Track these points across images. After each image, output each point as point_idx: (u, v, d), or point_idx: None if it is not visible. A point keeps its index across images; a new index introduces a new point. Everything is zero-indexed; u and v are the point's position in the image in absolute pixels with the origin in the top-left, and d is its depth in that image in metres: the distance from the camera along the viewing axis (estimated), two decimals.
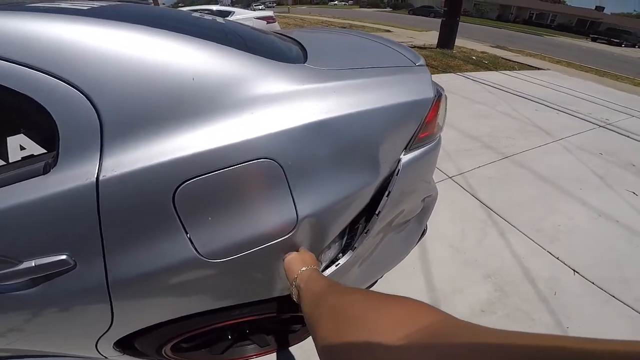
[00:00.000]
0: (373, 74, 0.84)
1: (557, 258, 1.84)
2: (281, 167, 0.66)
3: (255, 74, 0.66)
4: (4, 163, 0.56)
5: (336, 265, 0.94)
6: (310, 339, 1.41)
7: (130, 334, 0.82)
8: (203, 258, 0.67)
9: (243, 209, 0.67)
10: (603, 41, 27.54)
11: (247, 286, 0.84)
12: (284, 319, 1.18)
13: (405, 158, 0.89)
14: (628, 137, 3.64)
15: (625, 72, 9.59)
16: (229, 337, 1.18)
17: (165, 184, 0.59)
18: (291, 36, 1.26)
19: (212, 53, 0.64)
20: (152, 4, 1.94)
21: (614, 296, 1.63)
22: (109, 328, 0.75)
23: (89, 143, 0.55)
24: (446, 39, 8.06)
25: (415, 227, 1.31)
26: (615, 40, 26.96)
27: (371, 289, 1.57)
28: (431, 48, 8.24)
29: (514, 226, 2.06)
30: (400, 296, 0.34)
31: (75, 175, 0.55)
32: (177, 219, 0.62)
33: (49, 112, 0.53)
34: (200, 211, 0.64)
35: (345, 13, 29.50)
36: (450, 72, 5.84)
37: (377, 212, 0.89)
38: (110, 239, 0.60)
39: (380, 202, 0.89)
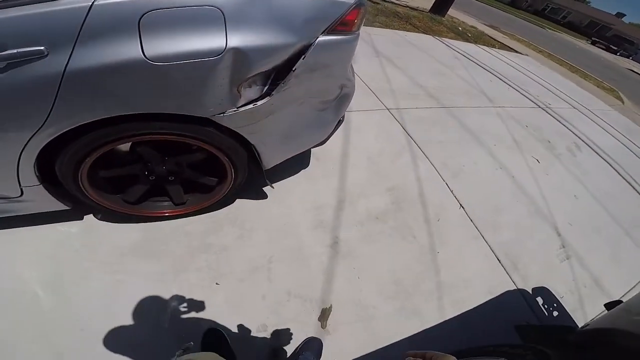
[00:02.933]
0: None
1: (451, 191, 2.27)
2: (222, 12, 0.97)
3: None
4: None
5: (253, 104, 1.21)
6: (227, 208, 1.71)
7: (52, 152, 1.04)
8: (148, 60, 0.92)
9: (188, 30, 0.96)
10: (602, 46, 27.92)
11: (176, 95, 1.05)
12: (200, 161, 1.41)
13: (321, 38, 1.20)
14: (559, 121, 4.15)
15: (601, 75, 10.07)
16: (146, 176, 1.37)
17: (137, 10, 0.88)
18: None
19: None
20: None
21: (482, 235, 2.05)
22: (42, 124, 0.93)
23: None
24: (440, 6, 8.11)
25: (332, 113, 1.62)
26: (613, 48, 27.57)
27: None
28: (423, 11, 8.24)
29: (426, 156, 2.47)
30: None
31: (69, 2, 0.83)
32: (138, 32, 0.90)
33: None
34: (155, 29, 0.92)
35: None
36: (428, 34, 6.02)
37: (293, 69, 1.18)
38: (84, 36, 0.85)
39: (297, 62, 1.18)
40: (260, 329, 1.33)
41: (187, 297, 1.36)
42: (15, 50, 0.81)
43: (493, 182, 2.51)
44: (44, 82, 0.88)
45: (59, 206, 1.29)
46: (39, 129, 0.95)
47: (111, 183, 1.40)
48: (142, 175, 1.39)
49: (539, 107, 4.35)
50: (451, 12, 9.13)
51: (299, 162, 2.08)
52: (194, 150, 1.36)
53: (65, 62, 0.86)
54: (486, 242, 2.02)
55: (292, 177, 2.00)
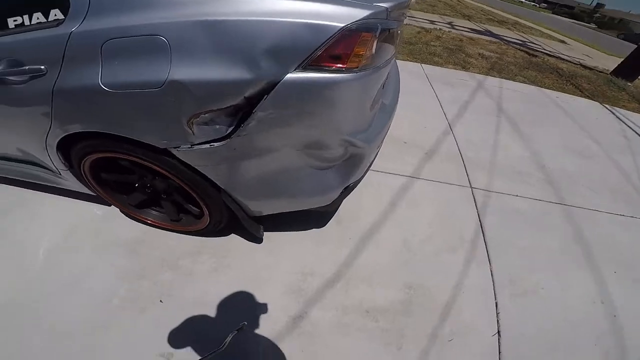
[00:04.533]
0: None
1: (497, 312, 1.49)
2: (167, 42, 0.91)
3: None
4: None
5: (210, 145, 1.07)
6: (218, 238, 1.64)
7: (67, 143, 1.22)
8: (103, 87, 0.98)
9: (135, 62, 0.96)
10: None
11: (128, 121, 1.08)
12: (177, 188, 1.37)
13: (293, 75, 0.93)
14: None
15: None
16: (144, 188, 1.45)
17: (100, 39, 0.95)
18: None
19: None
20: None
21: None
22: (50, 128, 1.15)
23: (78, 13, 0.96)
24: (629, 68, 6.18)
25: (336, 176, 1.30)
26: None
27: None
28: (601, 72, 6.50)
29: (489, 261, 1.71)
30: None
31: (62, 29, 0.97)
32: (100, 60, 0.97)
33: None
34: (112, 58, 0.96)
35: (526, 13, 24.87)
36: (594, 100, 4.57)
37: (254, 111, 0.99)
38: (66, 64, 0.99)
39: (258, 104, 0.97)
40: (163, 356, 1.21)
41: (130, 301, 1.38)
42: (27, 67, 1.03)
43: (575, 315, 1.55)
44: (44, 95, 1.06)
45: (88, 191, 1.55)
46: (50, 129, 1.16)
47: (122, 185, 1.52)
48: (141, 185, 1.45)
49: None
50: None
51: (315, 220, 1.78)
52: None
53: (54, 81, 1.03)
54: None
55: (299, 232, 1.73)
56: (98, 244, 1.56)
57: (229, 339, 0.49)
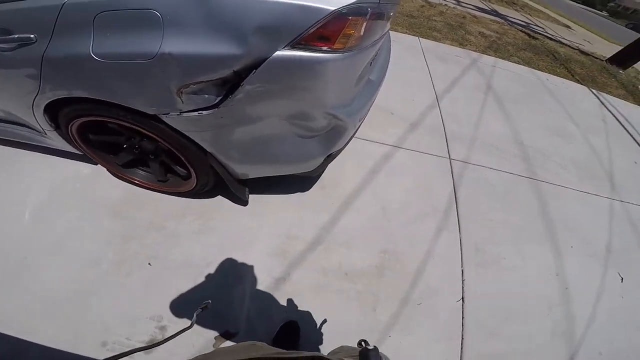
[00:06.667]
0: None
1: (463, 280, 1.67)
2: (160, 15, 0.95)
3: None
4: None
5: (199, 113, 1.13)
6: (203, 200, 1.69)
7: (54, 106, 1.24)
8: (94, 56, 1.02)
9: (127, 32, 0.99)
10: None
11: (119, 88, 1.12)
12: (165, 150, 1.41)
13: (281, 52, 0.98)
14: None
15: None
16: (132, 149, 1.48)
17: (92, 11, 0.98)
18: None
19: None
20: None
21: (463, 337, 1.50)
22: (37, 92, 1.18)
23: None
24: (624, 57, 6.18)
25: (319, 145, 1.38)
26: None
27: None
28: (597, 58, 6.53)
29: (459, 231, 1.88)
30: None
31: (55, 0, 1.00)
32: (92, 31, 1.00)
33: None
34: (104, 29, 0.99)
35: None
36: (583, 84, 4.66)
37: (242, 84, 1.04)
38: (57, 33, 1.03)
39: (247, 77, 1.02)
40: (154, 318, 1.30)
41: (118, 264, 1.44)
42: (16, 35, 1.06)
43: (531, 286, 1.76)
44: (33, 61, 1.09)
45: (74, 150, 1.56)
46: (37, 93, 1.19)
47: (109, 145, 1.54)
48: (129, 146, 1.48)
49: None
50: None
51: (300, 184, 1.89)
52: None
53: (44, 49, 1.06)
54: (461, 346, 1.46)
55: (283, 195, 1.84)
56: (85, 204, 1.59)
57: (194, 317, 0.65)
